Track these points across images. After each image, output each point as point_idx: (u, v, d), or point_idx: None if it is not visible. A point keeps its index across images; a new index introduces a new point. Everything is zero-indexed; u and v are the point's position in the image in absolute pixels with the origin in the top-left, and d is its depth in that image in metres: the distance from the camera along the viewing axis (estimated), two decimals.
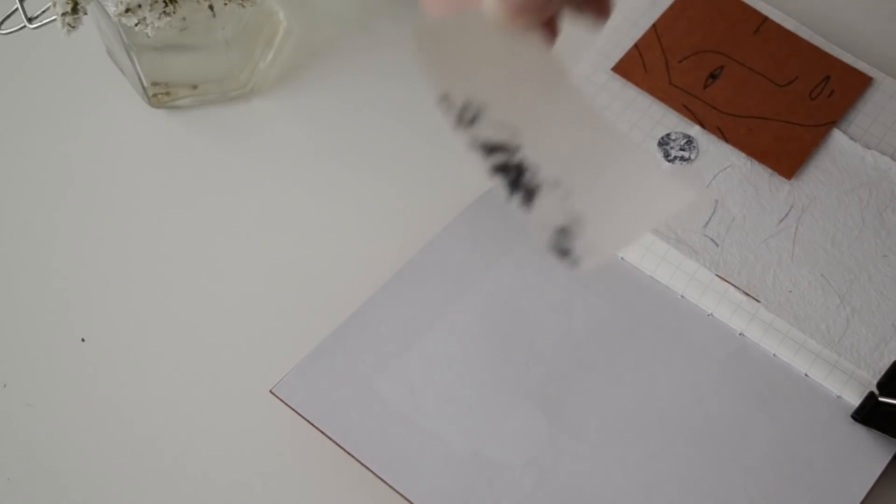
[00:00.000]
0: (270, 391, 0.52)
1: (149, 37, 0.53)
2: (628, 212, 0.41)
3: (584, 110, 0.42)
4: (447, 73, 0.42)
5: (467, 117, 0.42)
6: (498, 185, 0.41)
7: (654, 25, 0.61)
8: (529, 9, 0.42)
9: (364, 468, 0.50)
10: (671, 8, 0.61)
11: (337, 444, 0.51)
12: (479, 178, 0.42)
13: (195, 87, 0.60)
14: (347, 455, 0.51)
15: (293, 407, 0.52)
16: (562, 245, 0.41)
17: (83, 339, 0.55)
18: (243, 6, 0.54)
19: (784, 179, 0.57)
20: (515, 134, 0.42)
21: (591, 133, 0.42)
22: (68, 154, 0.59)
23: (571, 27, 0.44)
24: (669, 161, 0.57)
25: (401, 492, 0.50)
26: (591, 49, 0.61)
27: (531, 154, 0.41)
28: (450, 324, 0.54)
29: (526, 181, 0.41)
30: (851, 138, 0.58)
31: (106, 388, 0.54)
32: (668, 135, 0.58)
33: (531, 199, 0.41)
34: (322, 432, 0.51)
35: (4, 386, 0.54)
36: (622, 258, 0.56)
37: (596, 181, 0.41)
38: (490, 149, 0.42)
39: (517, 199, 0.41)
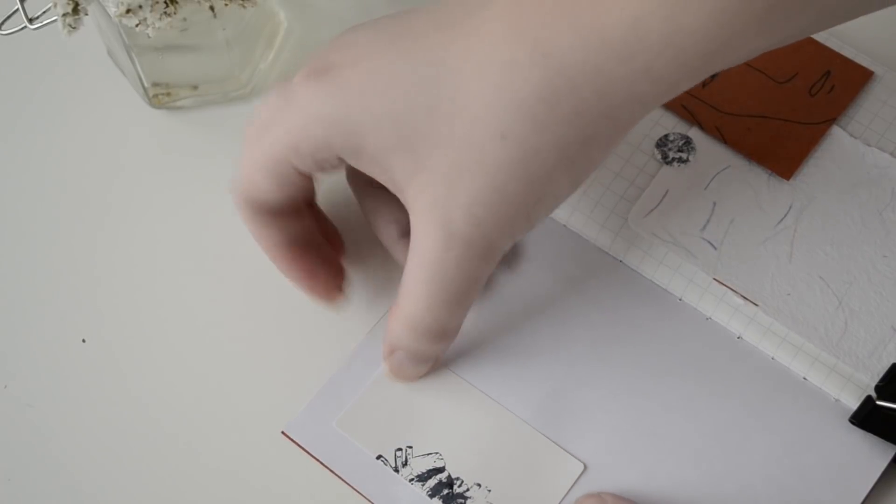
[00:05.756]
0: (282, 432, 0.52)
1: (149, 37, 0.53)
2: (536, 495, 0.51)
3: (490, 413, 0.52)
4: (375, 440, 0.51)
5: (400, 463, 0.51)
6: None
7: None
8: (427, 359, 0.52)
9: None
10: None
11: (347, 483, 0.51)
12: None
13: (196, 87, 0.60)
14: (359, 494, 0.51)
15: (303, 446, 0.52)
16: None
17: (84, 340, 0.55)
18: (244, 7, 0.54)
19: (783, 180, 0.57)
20: (439, 457, 0.51)
21: (501, 434, 0.52)
22: (68, 154, 0.59)
23: None
24: (667, 163, 0.57)
25: None
26: None
27: (454, 469, 0.51)
28: (456, 354, 0.54)
29: (457, 491, 0.50)
30: (852, 135, 0.58)
31: (107, 390, 0.54)
32: (665, 136, 0.58)
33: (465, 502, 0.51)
34: (332, 471, 0.52)
35: (5, 387, 0.54)
36: (621, 261, 0.56)
37: (508, 475, 0.51)
38: (424, 476, 0.51)
39: None
